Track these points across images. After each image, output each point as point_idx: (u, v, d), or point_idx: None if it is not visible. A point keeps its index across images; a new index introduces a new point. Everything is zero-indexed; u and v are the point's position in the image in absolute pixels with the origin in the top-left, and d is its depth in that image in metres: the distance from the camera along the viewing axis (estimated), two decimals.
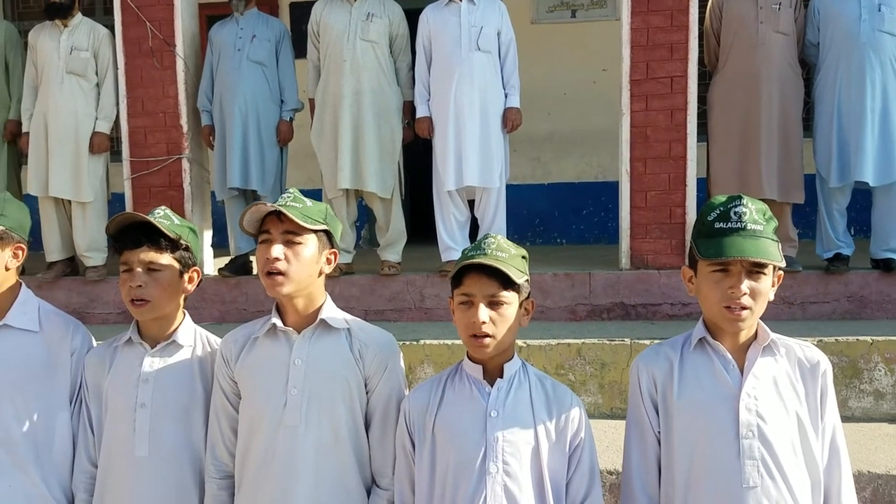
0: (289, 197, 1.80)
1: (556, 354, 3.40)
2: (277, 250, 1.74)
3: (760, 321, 1.68)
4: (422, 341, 3.45)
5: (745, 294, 1.59)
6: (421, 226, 5.99)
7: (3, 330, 1.93)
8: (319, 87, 4.24)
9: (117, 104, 4.41)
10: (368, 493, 1.83)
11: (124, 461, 1.87)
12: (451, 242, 4.20)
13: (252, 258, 4.63)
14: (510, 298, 1.65)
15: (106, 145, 4.41)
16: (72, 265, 4.56)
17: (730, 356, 1.68)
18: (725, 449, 1.62)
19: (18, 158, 4.70)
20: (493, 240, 1.69)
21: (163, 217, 1.90)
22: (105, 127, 4.39)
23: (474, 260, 1.64)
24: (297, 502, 1.74)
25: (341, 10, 4.15)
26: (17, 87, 4.55)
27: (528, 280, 1.71)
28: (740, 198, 1.64)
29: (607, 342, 3.41)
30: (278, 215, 1.75)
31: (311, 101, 4.34)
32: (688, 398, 1.68)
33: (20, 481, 1.90)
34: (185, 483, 1.89)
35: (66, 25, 4.35)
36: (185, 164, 4.39)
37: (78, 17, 4.41)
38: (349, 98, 4.11)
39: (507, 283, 1.64)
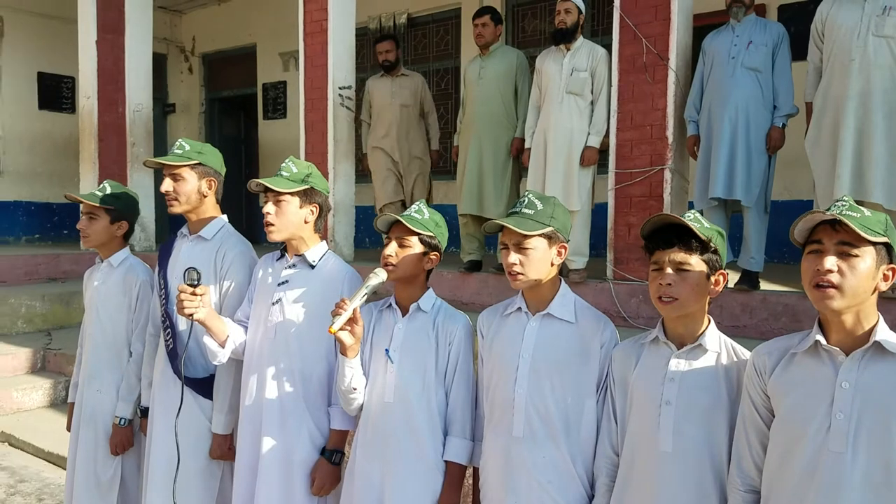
0: (844, 206, 1.67)
1: None
2: (830, 262, 1.62)
3: None
4: None
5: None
6: None
7: (546, 318, 2.18)
8: (820, 89, 3.93)
9: (608, 119, 4.72)
10: None
11: (648, 455, 1.95)
12: None
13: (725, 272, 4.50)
14: None
15: (595, 158, 4.73)
16: None
17: None
18: None
19: (520, 172, 5.37)
20: None
21: (694, 220, 1.94)
22: (595, 141, 4.72)
23: None
24: None
25: (852, 5, 3.78)
26: (524, 109, 5.16)
27: None
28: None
29: None
30: (832, 225, 1.64)
31: (809, 106, 4.04)
32: None
33: (552, 454, 2.12)
34: (705, 482, 1.90)
35: (568, 49, 4.80)
36: (668, 175, 4.48)
37: (580, 40, 4.81)
38: (854, 100, 3.73)
39: None
